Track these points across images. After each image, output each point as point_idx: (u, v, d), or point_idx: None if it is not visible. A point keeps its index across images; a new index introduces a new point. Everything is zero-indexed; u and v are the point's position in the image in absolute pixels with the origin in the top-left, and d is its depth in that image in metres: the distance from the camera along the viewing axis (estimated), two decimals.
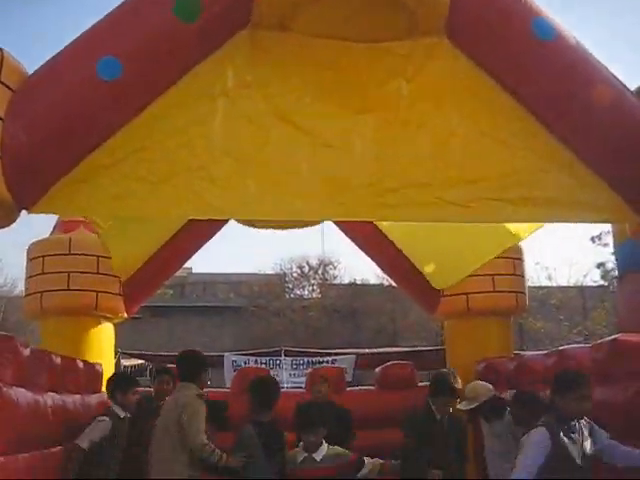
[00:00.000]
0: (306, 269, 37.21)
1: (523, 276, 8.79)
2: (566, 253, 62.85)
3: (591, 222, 6.33)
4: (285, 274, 37.46)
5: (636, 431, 4.60)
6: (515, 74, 5.77)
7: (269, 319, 32.61)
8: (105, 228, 7.25)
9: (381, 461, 5.39)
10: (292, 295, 36.86)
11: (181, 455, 5.27)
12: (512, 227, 7.53)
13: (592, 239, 28.90)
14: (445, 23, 5.73)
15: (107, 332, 8.22)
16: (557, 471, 4.17)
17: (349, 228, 9.20)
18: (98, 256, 7.81)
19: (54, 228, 8.48)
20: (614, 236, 6.97)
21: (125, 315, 8.39)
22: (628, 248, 6.45)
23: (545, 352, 6.92)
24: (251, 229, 8.79)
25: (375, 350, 19.68)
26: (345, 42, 5.79)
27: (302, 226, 8.79)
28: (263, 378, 6.15)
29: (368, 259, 9.73)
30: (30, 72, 5.16)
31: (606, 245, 27.07)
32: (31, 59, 5.24)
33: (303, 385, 10.19)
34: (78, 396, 6.27)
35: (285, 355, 18.09)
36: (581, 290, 31.19)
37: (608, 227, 7.94)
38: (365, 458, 5.31)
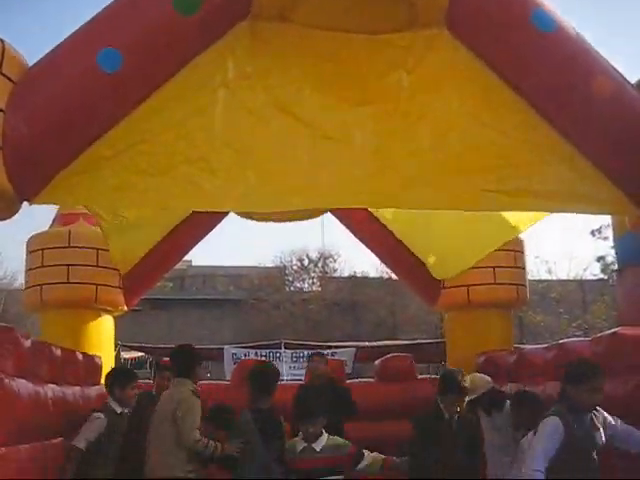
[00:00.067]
0: (306, 262, 37.26)
1: (524, 268, 8.80)
2: (566, 247, 62.92)
3: (591, 214, 6.33)
4: (285, 267, 37.50)
5: (636, 424, 4.60)
6: (515, 66, 5.76)
7: (269, 312, 32.64)
8: (108, 220, 7.25)
9: (382, 456, 5.35)
10: (292, 288, 36.91)
11: (177, 449, 5.29)
12: (513, 219, 7.52)
13: (592, 233, 28.91)
14: (445, 15, 5.72)
15: (107, 325, 8.24)
16: (568, 462, 4.14)
17: (349, 220, 9.20)
18: (98, 249, 7.81)
19: (53, 221, 8.47)
20: (614, 229, 6.97)
21: (125, 308, 8.40)
22: (628, 241, 6.44)
23: (545, 345, 6.93)
24: (250, 222, 8.79)
25: (375, 343, 19.68)
26: (345, 34, 5.78)
27: (302, 218, 8.78)
28: (262, 366, 6.14)
29: (368, 252, 9.75)
30: (31, 64, 5.16)
31: (606, 239, 27.07)
32: (31, 51, 5.24)
33: (303, 378, 10.19)
34: (78, 388, 6.27)
35: (285, 348, 18.11)
36: (581, 284, 31.21)
37: (608, 220, 7.93)
38: (364, 451, 5.29)
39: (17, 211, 5.26)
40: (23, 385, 4.82)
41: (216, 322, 34.00)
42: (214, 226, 8.91)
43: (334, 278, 36.15)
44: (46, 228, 8.32)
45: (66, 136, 5.10)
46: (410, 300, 26.88)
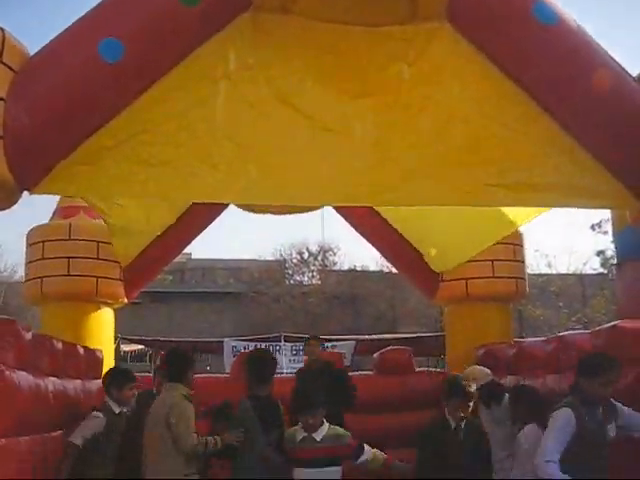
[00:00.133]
0: (306, 255, 37.21)
1: (523, 262, 8.80)
2: (566, 241, 62.88)
3: (591, 208, 6.32)
4: (285, 260, 37.46)
5: None
6: (516, 58, 5.75)
7: (269, 305, 32.64)
8: (107, 214, 7.25)
9: (384, 455, 5.31)
10: (292, 281, 36.89)
11: (173, 453, 5.22)
12: (512, 213, 7.52)
13: (592, 227, 28.90)
14: (446, 8, 5.72)
15: (107, 317, 8.25)
16: (579, 454, 4.12)
17: (349, 213, 9.20)
18: (98, 242, 7.82)
19: (54, 214, 8.46)
20: (613, 224, 6.96)
21: (125, 300, 8.41)
22: (627, 236, 6.44)
23: (545, 338, 6.93)
24: (251, 214, 8.78)
25: (375, 336, 19.69)
26: (346, 26, 5.77)
27: (301, 211, 8.77)
28: (259, 353, 6.12)
29: (368, 245, 9.74)
30: (32, 53, 5.14)
31: (606, 233, 27.03)
32: (30, 47, 5.22)
33: None
34: (79, 381, 6.28)
35: (285, 341, 18.14)
36: (580, 278, 31.20)
37: (608, 215, 7.92)
38: (365, 445, 5.28)
39: (17, 201, 5.26)
40: (24, 378, 4.81)
41: (216, 315, 33.98)
42: (214, 219, 8.91)
43: (334, 271, 36.12)
44: (46, 221, 8.32)
45: (67, 126, 5.10)
46: (410, 293, 26.88)
